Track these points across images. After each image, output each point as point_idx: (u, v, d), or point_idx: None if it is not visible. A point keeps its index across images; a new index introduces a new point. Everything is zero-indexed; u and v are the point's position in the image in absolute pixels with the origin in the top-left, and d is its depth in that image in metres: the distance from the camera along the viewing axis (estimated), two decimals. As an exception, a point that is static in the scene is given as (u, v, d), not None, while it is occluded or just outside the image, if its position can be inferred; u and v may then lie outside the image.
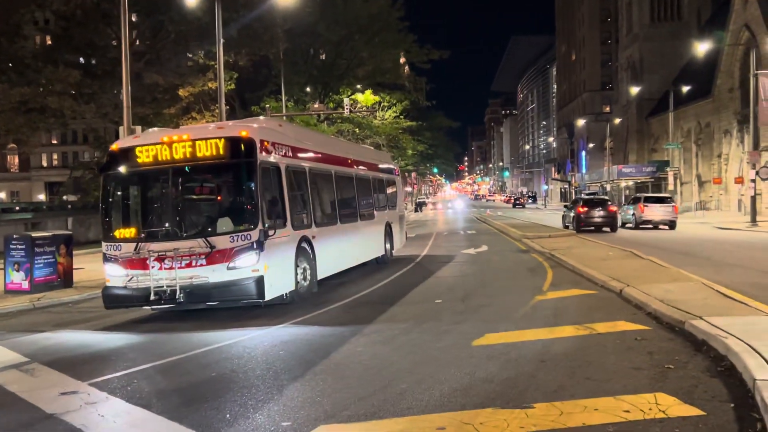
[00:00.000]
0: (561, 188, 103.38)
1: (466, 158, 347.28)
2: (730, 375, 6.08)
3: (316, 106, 34.86)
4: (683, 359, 6.76)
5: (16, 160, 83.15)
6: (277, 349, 8.18)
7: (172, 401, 6.11)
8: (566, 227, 32.68)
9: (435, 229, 38.89)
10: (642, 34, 71.62)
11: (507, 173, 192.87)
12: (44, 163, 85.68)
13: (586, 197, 36.89)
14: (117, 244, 10.61)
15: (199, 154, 10.50)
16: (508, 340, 8.02)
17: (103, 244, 10.83)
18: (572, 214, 31.91)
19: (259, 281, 10.26)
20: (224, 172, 11.03)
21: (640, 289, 10.75)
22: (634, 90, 63.79)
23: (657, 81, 67.67)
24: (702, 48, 40.04)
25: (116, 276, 10.60)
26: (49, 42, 35.76)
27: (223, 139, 10.49)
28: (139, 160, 10.71)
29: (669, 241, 24.10)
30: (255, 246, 10.25)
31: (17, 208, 42.84)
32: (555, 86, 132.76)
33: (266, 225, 10.37)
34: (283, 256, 11.14)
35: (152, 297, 10.16)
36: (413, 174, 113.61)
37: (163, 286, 10.18)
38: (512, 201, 70.56)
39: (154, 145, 10.66)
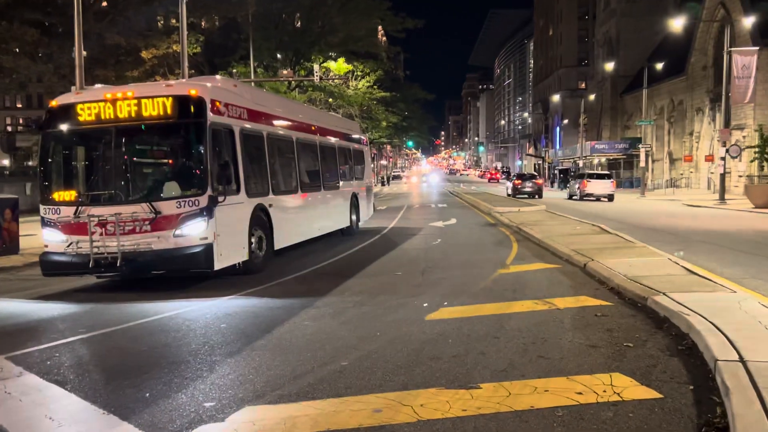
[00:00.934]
0: (535, 164, 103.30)
1: (442, 132, 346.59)
2: (690, 354, 5.75)
3: (285, 72, 33.90)
4: (643, 337, 6.42)
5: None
6: (219, 322, 7.68)
7: (91, 378, 5.60)
8: (508, 195, 41.20)
9: (406, 202, 38.50)
10: (619, 9, 71.17)
11: (482, 148, 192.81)
12: (9, 128, 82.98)
13: (520, 173, 51.53)
14: (56, 207, 9.95)
15: (144, 113, 9.84)
16: (464, 315, 7.62)
17: (41, 207, 10.16)
18: (510, 185, 43.25)
19: (208, 250, 9.71)
20: (171, 133, 10.37)
21: (604, 264, 10.43)
22: (609, 66, 63.59)
23: (632, 57, 67.41)
24: (677, 23, 39.75)
25: (55, 241, 9.96)
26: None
27: (170, 98, 9.83)
28: (81, 119, 10.01)
29: (635, 215, 23.98)
30: (203, 212, 9.68)
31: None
32: (532, 61, 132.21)
33: (216, 190, 9.78)
34: (236, 224, 10.59)
35: (91, 264, 9.56)
36: (388, 147, 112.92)
37: (103, 253, 9.59)
38: (487, 176, 70.27)
39: (96, 103, 9.96)
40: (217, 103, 10.27)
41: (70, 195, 10.05)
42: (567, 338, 6.44)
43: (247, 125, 11.46)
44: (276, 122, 13.05)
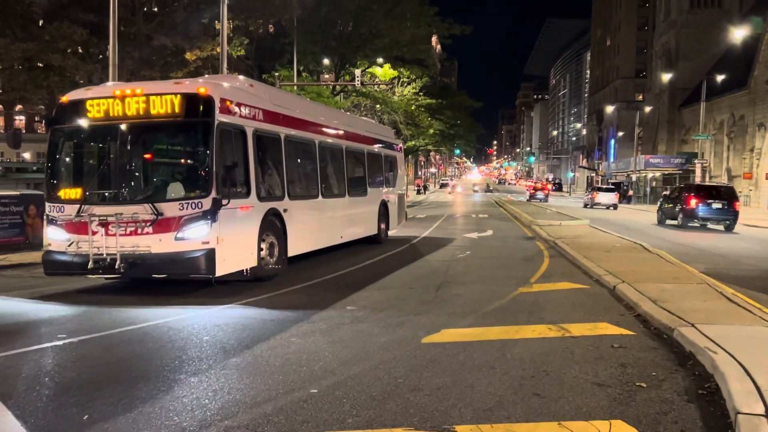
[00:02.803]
0: (587, 177, 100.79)
1: (495, 142, 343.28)
2: (711, 401, 4.96)
3: (326, 76, 33.56)
4: (661, 376, 5.64)
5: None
6: (203, 334, 7.21)
7: (39, 393, 5.16)
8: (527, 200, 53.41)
9: (446, 212, 37.75)
10: (680, 20, 68.73)
11: (532, 159, 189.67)
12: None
13: (534, 183, 60.57)
14: (60, 205, 9.70)
15: (152, 111, 9.49)
16: (465, 338, 6.95)
17: (47, 204, 9.94)
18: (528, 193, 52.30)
19: (209, 255, 9.28)
20: (178, 132, 10.00)
21: (635, 287, 9.58)
22: (667, 78, 61.35)
23: (692, 70, 64.97)
24: (738, 34, 37.87)
25: (58, 240, 9.71)
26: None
27: (178, 95, 9.46)
28: (89, 115, 9.74)
29: (686, 236, 22.64)
30: (206, 215, 9.25)
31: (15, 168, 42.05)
32: (588, 72, 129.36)
33: (221, 193, 9.35)
34: (243, 229, 10.15)
35: (90, 265, 9.25)
36: (437, 155, 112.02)
37: (103, 254, 9.27)
38: (529, 189, 65.97)
39: (105, 99, 9.67)
40: (228, 103, 9.86)
41: (75, 193, 9.78)
42: (572, 373, 5.70)
43: (262, 126, 11.03)
44: (296, 124, 12.58)
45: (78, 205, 9.46)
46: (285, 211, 11.55)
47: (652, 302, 8.38)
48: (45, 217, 9.93)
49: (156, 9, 34.97)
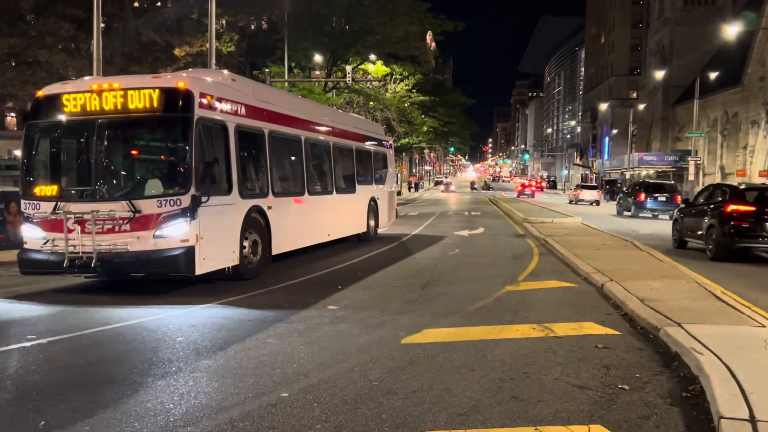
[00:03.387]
0: (582, 174, 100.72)
1: (490, 140, 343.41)
2: (695, 405, 4.79)
3: (317, 73, 33.31)
4: (644, 378, 5.47)
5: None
6: (177, 335, 7.00)
7: (-2, 396, 4.96)
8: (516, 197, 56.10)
9: (440, 209, 37.59)
10: (674, 17, 68.60)
11: (526, 156, 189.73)
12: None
13: (523, 181, 62.34)
14: (36, 202, 9.47)
15: (130, 106, 9.26)
16: (446, 339, 6.77)
17: (22, 201, 9.71)
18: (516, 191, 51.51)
19: (188, 253, 9.07)
20: (156, 127, 9.76)
21: (622, 285, 9.41)
22: (661, 75, 61.26)
23: (686, 67, 64.91)
24: (732, 31, 37.78)
25: (33, 238, 9.48)
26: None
27: (156, 90, 9.23)
28: (66, 109, 9.50)
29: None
30: (185, 213, 9.04)
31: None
32: (583, 69, 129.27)
33: (200, 190, 9.13)
34: (224, 227, 9.94)
35: (66, 264, 9.03)
36: (432, 152, 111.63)
37: (78, 253, 9.04)
38: (517, 188, 69.58)
39: (81, 93, 9.44)
40: (208, 97, 9.65)
41: (50, 190, 9.55)
42: (553, 375, 5.52)
43: (245, 122, 10.82)
44: (281, 120, 12.35)
45: (54, 203, 9.24)
46: (269, 208, 11.35)
47: (639, 301, 8.21)
48: (21, 214, 9.68)
49: (145, 5, 34.69)
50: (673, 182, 41.59)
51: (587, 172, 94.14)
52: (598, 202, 50.70)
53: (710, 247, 14.58)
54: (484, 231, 21.75)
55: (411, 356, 6.09)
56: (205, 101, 9.52)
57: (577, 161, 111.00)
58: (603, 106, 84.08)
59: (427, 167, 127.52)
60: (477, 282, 10.69)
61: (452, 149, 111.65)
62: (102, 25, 31.18)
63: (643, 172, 67.01)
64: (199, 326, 7.41)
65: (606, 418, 4.53)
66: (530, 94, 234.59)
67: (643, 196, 32.35)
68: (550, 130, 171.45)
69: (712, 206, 15.08)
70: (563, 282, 10.64)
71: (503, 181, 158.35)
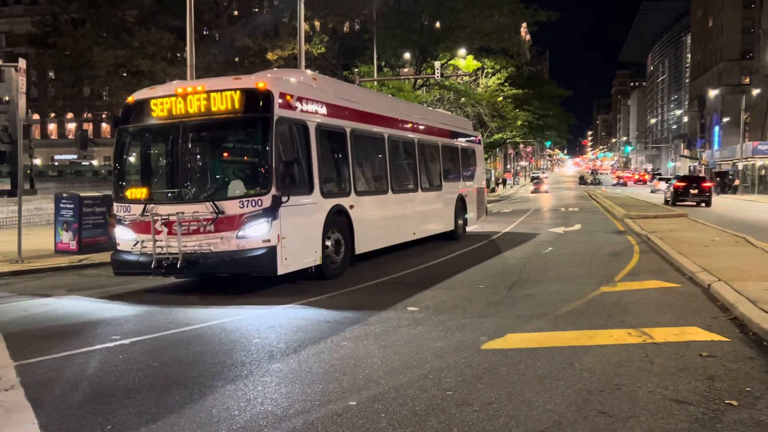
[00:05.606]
0: (690, 166, 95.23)
1: (590, 132, 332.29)
2: (818, 427, 4.13)
3: (405, 71, 33.08)
4: (756, 392, 4.82)
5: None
6: (255, 336, 6.94)
7: (71, 400, 4.97)
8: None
9: (534, 205, 36.53)
10: (791, -6, 63.53)
11: (628, 149, 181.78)
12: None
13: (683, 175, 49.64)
14: (127, 205, 9.75)
15: (213, 108, 9.37)
16: (531, 345, 6.31)
17: (114, 205, 10.04)
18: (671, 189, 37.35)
19: (270, 253, 9.05)
20: (237, 128, 9.85)
21: (732, 286, 8.55)
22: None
23: (806, 47, 59.94)
24: None
25: (125, 240, 9.77)
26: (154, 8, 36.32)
27: (237, 91, 9.29)
28: (153, 114, 9.75)
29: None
30: (266, 213, 9.03)
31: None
32: (689, 56, 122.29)
33: (281, 190, 9.09)
34: (306, 227, 9.87)
35: (153, 265, 9.22)
36: (528, 147, 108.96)
37: (165, 254, 9.22)
38: (615, 179, 73.35)
39: (168, 98, 9.64)
40: (287, 97, 9.61)
41: (140, 192, 9.80)
42: (648, 387, 4.98)
43: (326, 121, 10.73)
44: (363, 118, 12.21)
45: (143, 205, 9.46)
46: (351, 207, 11.21)
47: (752, 303, 7.40)
48: (114, 217, 10.01)
49: (237, 12, 35.76)
50: (702, 175, 44.18)
51: (695, 163, 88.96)
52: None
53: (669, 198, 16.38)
54: (581, 227, 20.81)
55: (490, 363, 5.69)
56: (284, 101, 9.48)
57: (684, 152, 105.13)
58: (712, 94, 79.12)
59: (523, 163, 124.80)
60: (569, 282, 10.08)
61: (548, 143, 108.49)
62: (204, 32, 32.61)
63: (758, 163, 62.48)
64: (277, 327, 7.32)
65: (709, 440, 3.98)
66: (632, 83, 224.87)
67: (679, 185, 35.25)
68: (654, 121, 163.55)
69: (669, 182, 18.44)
70: (665, 282, 9.85)
71: (600, 173, 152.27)
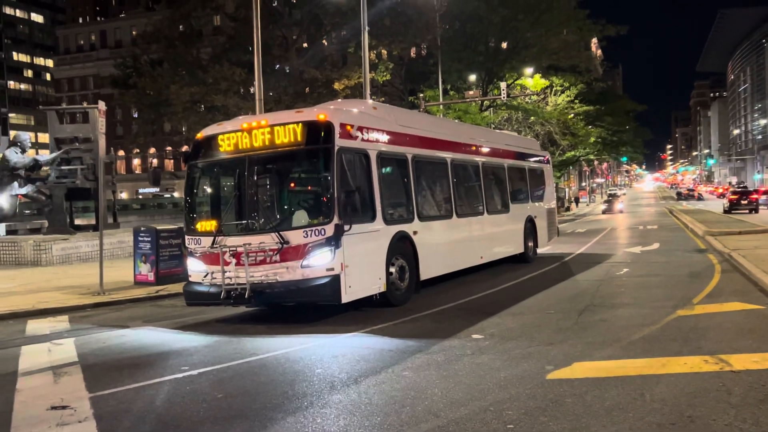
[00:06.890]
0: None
1: (669, 146, 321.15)
2: None
3: (471, 93, 32.96)
4: None
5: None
6: (318, 366, 6.98)
7: (139, 430, 5.15)
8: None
9: (610, 225, 35.47)
10: None
11: (710, 162, 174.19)
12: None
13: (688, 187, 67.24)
14: (197, 237, 10.07)
15: (277, 141, 9.62)
16: (599, 374, 6.07)
17: (186, 237, 10.38)
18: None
19: (334, 282, 9.13)
20: (300, 160, 10.06)
21: (822, 308, 8.02)
22: None
23: None
24: None
25: (196, 271, 10.08)
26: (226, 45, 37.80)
27: (299, 124, 9.51)
28: (221, 149, 10.08)
29: None
30: (329, 242, 9.13)
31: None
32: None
33: (343, 219, 9.18)
34: (369, 254, 9.91)
35: (223, 295, 9.46)
36: (603, 164, 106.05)
37: (234, 284, 9.45)
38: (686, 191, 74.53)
39: (234, 133, 9.97)
40: (348, 127, 9.74)
41: (210, 225, 10.11)
42: (725, 419, 4.69)
43: (387, 148, 10.81)
44: (424, 144, 12.21)
45: (212, 237, 9.75)
46: (415, 233, 11.19)
47: (844, 327, 6.93)
48: (186, 249, 10.36)
49: (305, 45, 36.71)
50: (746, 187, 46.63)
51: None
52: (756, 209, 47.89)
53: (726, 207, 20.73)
54: (659, 247, 20.03)
55: (555, 394, 5.51)
56: (345, 131, 9.62)
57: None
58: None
59: (599, 179, 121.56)
60: (643, 306, 9.68)
61: (624, 159, 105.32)
62: (276, 66, 33.61)
63: None
64: (340, 357, 7.34)
65: (790, 480, 3.70)
66: (712, 94, 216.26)
67: (732, 197, 42.10)
68: (737, 132, 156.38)
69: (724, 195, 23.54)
70: (747, 304, 9.31)
71: (680, 187, 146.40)
